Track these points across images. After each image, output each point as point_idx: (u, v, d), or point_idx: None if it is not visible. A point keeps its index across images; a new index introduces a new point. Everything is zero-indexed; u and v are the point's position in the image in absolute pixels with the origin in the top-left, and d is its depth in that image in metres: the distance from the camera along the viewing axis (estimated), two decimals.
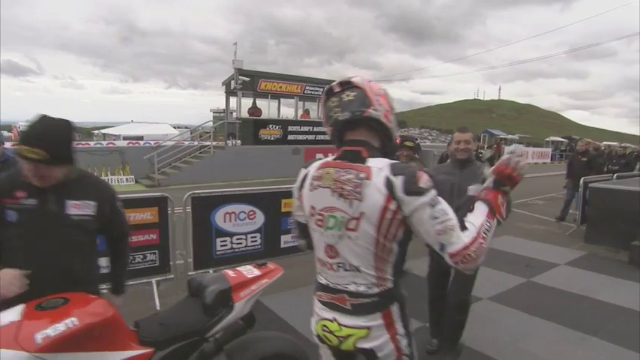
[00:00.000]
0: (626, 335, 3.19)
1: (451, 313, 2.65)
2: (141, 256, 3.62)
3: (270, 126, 14.16)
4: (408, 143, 3.41)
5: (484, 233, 1.16)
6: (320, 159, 1.35)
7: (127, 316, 1.54)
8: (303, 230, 1.43)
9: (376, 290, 1.23)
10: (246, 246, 4.15)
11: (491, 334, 3.18)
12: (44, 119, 1.45)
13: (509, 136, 32.04)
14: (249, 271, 1.82)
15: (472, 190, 2.41)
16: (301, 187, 1.36)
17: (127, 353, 1.38)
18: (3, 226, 1.46)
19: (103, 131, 26.13)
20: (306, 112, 15.41)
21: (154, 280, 3.69)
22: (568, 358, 2.92)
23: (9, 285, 1.37)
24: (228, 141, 13.82)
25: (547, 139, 35.32)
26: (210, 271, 3.66)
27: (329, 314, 1.29)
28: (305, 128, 14.64)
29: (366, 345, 1.24)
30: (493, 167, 1.26)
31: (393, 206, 1.15)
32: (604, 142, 30.39)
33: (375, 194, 1.16)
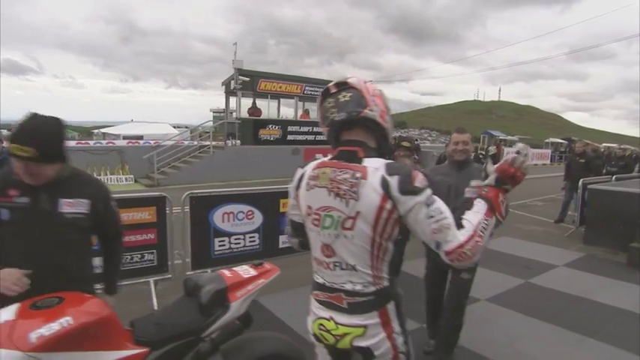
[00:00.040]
0: (624, 337, 3.19)
1: (447, 316, 2.64)
2: (139, 256, 3.62)
3: (270, 126, 14.16)
4: (404, 144, 3.41)
5: (481, 231, 1.16)
6: (317, 159, 1.36)
7: (124, 316, 1.54)
8: (298, 229, 1.44)
9: (372, 289, 1.24)
10: (244, 246, 4.15)
11: (488, 335, 3.18)
12: (34, 117, 1.45)
13: (509, 137, 32.03)
14: (245, 271, 1.82)
15: (469, 192, 2.41)
16: (298, 186, 1.36)
17: (122, 353, 1.38)
18: None
19: (103, 130, 26.16)
20: (306, 112, 15.41)
21: (151, 280, 3.69)
22: None
23: (11, 285, 1.37)
24: (227, 141, 13.82)
25: (546, 140, 35.36)
26: (209, 271, 3.65)
27: (326, 313, 1.30)
28: (305, 128, 14.64)
29: (363, 343, 1.25)
30: (497, 165, 1.26)
31: (388, 205, 1.16)
32: (603, 144, 30.43)
33: (371, 194, 1.17)
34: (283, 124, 14.60)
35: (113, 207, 1.72)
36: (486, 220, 1.18)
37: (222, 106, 16.37)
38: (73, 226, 1.54)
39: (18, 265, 1.42)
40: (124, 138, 18.39)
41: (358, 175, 1.19)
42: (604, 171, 8.90)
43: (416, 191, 1.15)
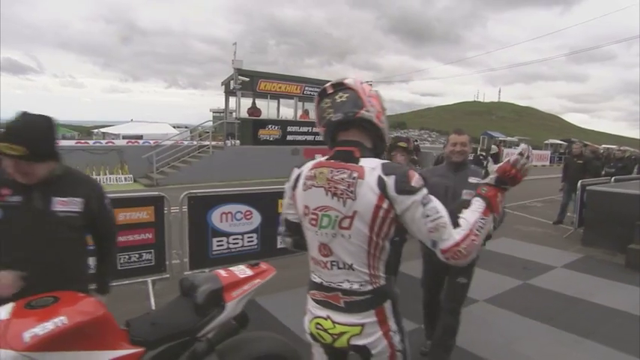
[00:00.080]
0: (621, 338, 3.20)
1: (443, 320, 2.61)
2: (137, 256, 3.62)
3: (270, 126, 14.16)
4: (401, 144, 3.39)
5: (477, 230, 1.17)
6: (314, 159, 1.37)
7: (122, 316, 1.55)
8: (292, 229, 1.45)
9: (369, 288, 1.25)
10: (242, 246, 4.15)
11: (485, 336, 3.18)
12: (24, 116, 1.45)
13: (508, 138, 32.02)
14: (241, 271, 1.82)
15: (467, 194, 2.39)
16: (294, 186, 1.37)
17: (117, 353, 1.38)
18: None
19: (103, 130, 26.16)
20: (306, 112, 15.40)
21: (149, 280, 3.69)
22: None
23: (5, 286, 1.37)
24: (227, 141, 13.82)
25: (546, 141, 35.37)
26: (207, 271, 3.66)
27: (323, 312, 1.30)
28: (304, 129, 14.63)
29: (360, 342, 1.25)
30: (498, 165, 1.26)
31: (385, 205, 1.17)
32: (603, 145, 30.43)
33: (368, 193, 1.18)
34: (283, 124, 14.59)
35: (107, 206, 1.71)
36: (483, 219, 1.19)
37: (223, 106, 16.37)
38: (66, 225, 1.54)
39: (11, 264, 1.42)
40: (124, 138, 18.40)
41: (355, 174, 1.20)
42: (603, 172, 8.89)
43: (412, 191, 1.16)
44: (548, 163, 27.07)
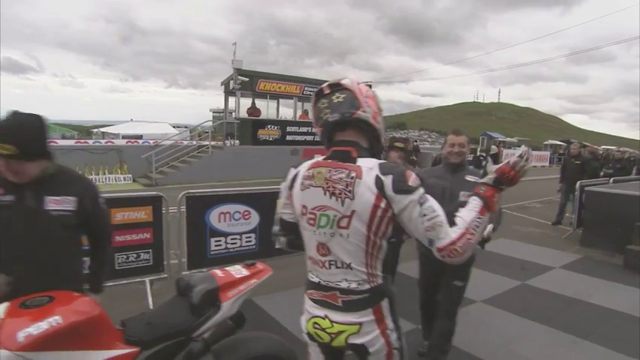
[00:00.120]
0: (619, 339, 3.20)
1: (439, 323, 2.60)
2: (135, 255, 3.61)
3: (269, 126, 14.16)
4: (398, 144, 3.39)
5: (473, 229, 1.19)
6: (311, 159, 1.37)
7: (119, 316, 1.55)
8: (287, 228, 1.45)
9: (367, 286, 1.26)
10: (240, 246, 4.15)
11: (483, 336, 3.18)
12: (15, 115, 1.45)
13: (508, 139, 32.04)
14: (237, 271, 1.82)
15: (464, 196, 2.37)
16: (291, 186, 1.37)
17: (112, 352, 1.38)
18: None
19: (103, 130, 26.16)
20: (305, 112, 15.40)
21: (147, 280, 3.68)
22: None
23: None
24: (226, 141, 13.82)
25: (545, 142, 35.38)
26: (204, 271, 3.65)
27: (320, 312, 1.31)
28: (304, 129, 14.63)
29: (358, 340, 1.26)
30: (497, 166, 1.27)
31: (383, 204, 1.19)
32: (602, 146, 30.45)
33: (366, 193, 1.19)
34: (282, 124, 14.60)
35: (101, 205, 1.71)
36: (479, 218, 1.20)
37: (223, 106, 16.38)
38: (59, 224, 1.53)
39: (4, 263, 1.41)
40: (123, 137, 18.39)
41: (353, 174, 1.22)
42: (601, 173, 8.89)
43: (409, 190, 1.18)
44: (547, 163, 27.09)
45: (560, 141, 35.50)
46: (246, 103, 14.49)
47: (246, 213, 4.14)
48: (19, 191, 1.47)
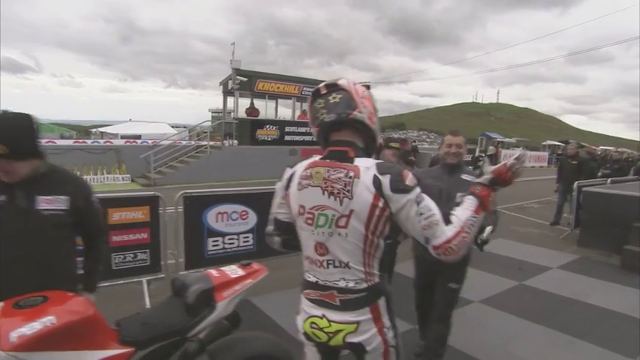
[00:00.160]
0: (615, 339, 3.20)
1: (433, 325, 2.59)
2: (132, 255, 3.60)
3: (268, 126, 14.16)
4: (393, 144, 3.39)
5: (468, 228, 1.21)
6: (308, 159, 1.37)
7: (116, 315, 1.54)
8: (282, 228, 1.46)
9: (364, 285, 1.27)
10: (238, 246, 4.14)
11: (480, 336, 3.18)
12: (4, 115, 1.46)
13: (507, 140, 32.08)
14: (233, 271, 1.81)
15: (461, 197, 2.36)
16: (288, 186, 1.37)
17: (106, 352, 1.37)
18: None
19: (101, 130, 26.14)
20: (304, 112, 15.39)
21: (144, 280, 3.67)
22: None
23: None
24: (225, 141, 13.81)
25: (544, 143, 35.46)
26: (202, 271, 3.65)
27: (318, 311, 1.31)
28: (302, 129, 14.61)
29: (356, 339, 1.27)
30: (494, 167, 1.30)
31: (381, 203, 1.20)
32: (600, 147, 30.52)
33: (364, 192, 1.20)
34: (281, 124, 14.60)
35: (95, 204, 1.69)
36: (475, 216, 1.23)
37: (222, 106, 16.37)
38: (51, 224, 1.52)
39: None
40: (122, 137, 18.39)
41: (351, 174, 1.23)
42: (599, 174, 8.91)
43: (407, 189, 1.20)
44: (546, 164, 27.15)
45: (559, 141, 35.60)
46: (244, 103, 14.50)
47: (243, 213, 4.13)
48: (10, 191, 1.47)
